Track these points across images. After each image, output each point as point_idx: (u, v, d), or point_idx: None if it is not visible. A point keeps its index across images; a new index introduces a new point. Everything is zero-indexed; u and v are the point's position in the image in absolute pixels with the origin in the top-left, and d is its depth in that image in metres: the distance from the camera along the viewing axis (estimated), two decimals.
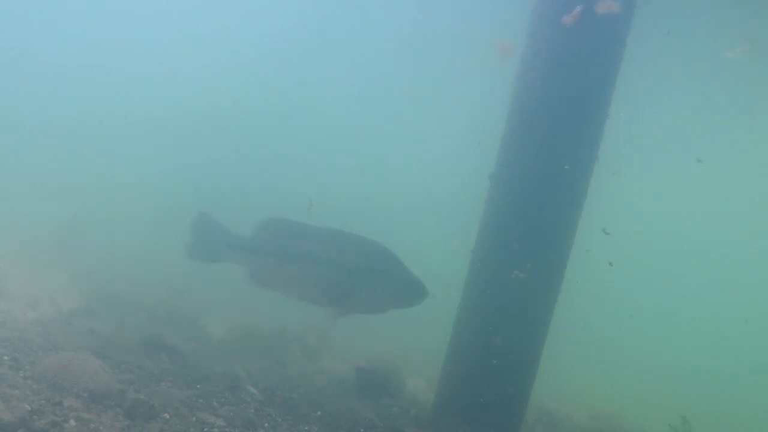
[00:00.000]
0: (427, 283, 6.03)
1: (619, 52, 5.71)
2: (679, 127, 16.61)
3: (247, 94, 28.26)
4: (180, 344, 7.12)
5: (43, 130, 23.47)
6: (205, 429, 4.51)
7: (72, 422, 3.98)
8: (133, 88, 27.91)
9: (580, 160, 5.68)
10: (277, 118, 28.95)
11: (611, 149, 5.96)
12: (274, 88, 28.11)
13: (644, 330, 20.03)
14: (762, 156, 18.63)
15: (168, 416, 4.44)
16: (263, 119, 28.78)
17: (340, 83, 27.09)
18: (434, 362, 6.35)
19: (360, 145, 30.15)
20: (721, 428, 11.17)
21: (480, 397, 5.74)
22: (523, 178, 5.69)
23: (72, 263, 11.47)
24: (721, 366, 18.93)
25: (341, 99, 28.18)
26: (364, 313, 6.29)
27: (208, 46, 27.89)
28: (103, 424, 4.08)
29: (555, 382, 7.52)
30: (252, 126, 28.67)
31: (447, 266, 7.90)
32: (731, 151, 18.36)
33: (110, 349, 6.19)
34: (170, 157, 24.23)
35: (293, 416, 5.35)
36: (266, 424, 4.97)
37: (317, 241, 6.06)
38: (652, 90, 13.71)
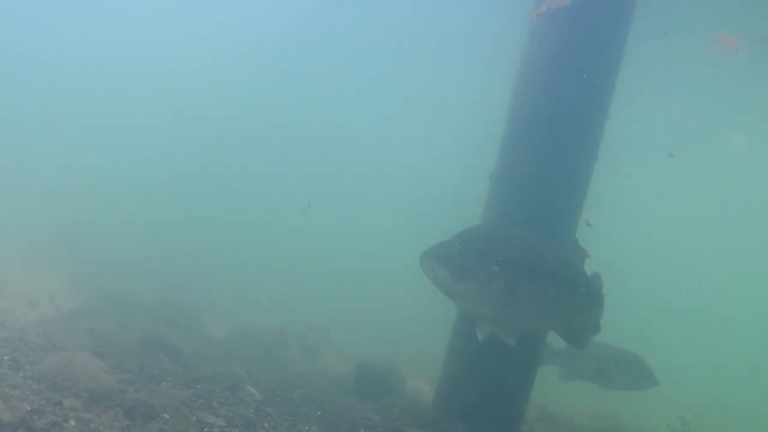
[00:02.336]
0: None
1: (619, 51, 5.70)
2: (678, 126, 16.60)
3: (247, 94, 28.27)
4: (180, 344, 7.13)
5: (43, 130, 23.48)
6: (205, 429, 4.51)
7: (72, 422, 3.98)
8: (133, 89, 27.94)
9: (580, 160, 5.68)
10: (276, 117, 28.96)
11: (611, 149, 5.95)
12: (274, 88, 28.12)
13: (644, 330, 20.01)
14: (761, 156, 18.62)
15: (168, 416, 4.44)
16: (263, 119, 28.79)
17: (340, 83, 27.09)
18: (434, 362, 6.34)
19: (359, 144, 30.16)
20: (721, 428, 11.16)
21: (480, 397, 5.73)
22: (523, 178, 5.68)
23: (72, 263, 11.49)
24: (721, 366, 18.91)
25: (341, 99, 28.17)
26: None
27: (208, 46, 27.90)
28: (103, 424, 4.08)
29: (555, 382, 7.50)
30: (251, 126, 28.68)
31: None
32: (731, 150, 18.36)
33: (110, 349, 6.19)
34: (170, 157, 24.24)
35: (293, 416, 5.35)
36: (266, 424, 4.97)
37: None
38: (652, 90, 13.70)
